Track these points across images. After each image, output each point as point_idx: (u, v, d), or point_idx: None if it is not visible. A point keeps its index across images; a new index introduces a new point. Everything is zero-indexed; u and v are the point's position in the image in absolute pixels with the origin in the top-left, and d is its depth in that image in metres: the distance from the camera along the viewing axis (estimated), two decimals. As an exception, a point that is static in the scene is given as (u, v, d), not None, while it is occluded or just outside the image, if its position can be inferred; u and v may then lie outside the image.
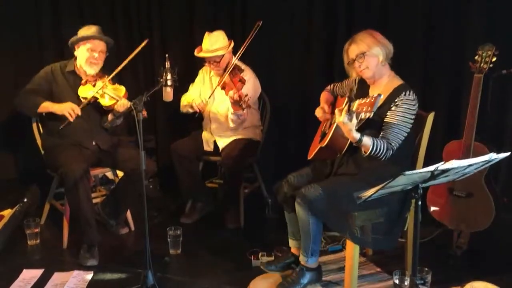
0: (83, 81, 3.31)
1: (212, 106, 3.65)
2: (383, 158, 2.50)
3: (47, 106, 3.23)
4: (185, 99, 3.71)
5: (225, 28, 3.61)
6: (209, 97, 3.57)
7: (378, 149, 2.46)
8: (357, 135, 2.43)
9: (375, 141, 2.47)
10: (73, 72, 3.36)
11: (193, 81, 3.82)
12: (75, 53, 3.34)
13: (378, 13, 3.75)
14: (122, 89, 3.31)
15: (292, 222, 2.83)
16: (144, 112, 2.80)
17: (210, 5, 4.14)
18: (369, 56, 2.59)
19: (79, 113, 3.17)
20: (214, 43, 3.48)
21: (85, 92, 3.27)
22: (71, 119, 3.15)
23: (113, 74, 3.28)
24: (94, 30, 3.31)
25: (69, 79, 3.34)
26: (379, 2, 3.75)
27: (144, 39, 4.20)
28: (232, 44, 3.53)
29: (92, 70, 3.32)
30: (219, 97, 3.60)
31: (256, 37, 3.32)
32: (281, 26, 4.01)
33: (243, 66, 3.49)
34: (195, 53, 3.55)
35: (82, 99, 3.25)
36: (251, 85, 3.48)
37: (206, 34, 3.53)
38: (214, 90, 3.52)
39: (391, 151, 2.50)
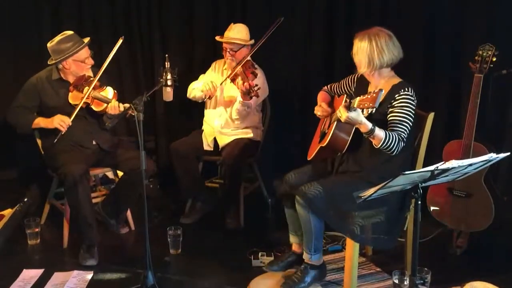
0: (71, 88, 3.27)
1: (219, 101, 3.66)
2: (395, 151, 2.47)
3: (38, 122, 3.24)
4: (194, 85, 3.71)
5: (225, 28, 3.61)
6: (221, 84, 3.58)
7: (391, 139, 2.44)
8: (369, 124, 2.41)
9: (387, 132, 2.46)
10: (59, 80, 3.32)
11: (192, 81, 3.81)
12: (62, 65, 3.26)
13: (378, 13, 3.75)
14: (109, 91, 3.27)
15: (292, 218, 2.84)
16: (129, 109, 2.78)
17: (210, 5, 4.14)
18: (356, 57, 2.63)
19: (70, 123, 3.15)
20: (237, 33, 3.54)
21: (76, 99, 3.24)
22: (63, 130, 3.14)
23: (96, 78, 3.23)
24: (74, 42, 3.21)
25: (57, 87, 3.31)
26: (379, 2, 3.75)
27: (144, 39, 4.26)
28: (252, 41, 3.57)
29: (89, 72, 3.34)
30: (227, 93, 3.62)
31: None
32: (281, 26, 4.00)
33: (256, 65, 3.51)
34: (216, 38, 3.61)
35: (74, 106, 3.23)
36: (261, 82, 3.51)
37: (232, 24, 3.59)
38: (225, 79, 3.54)
39: (402, 143, 2.48)
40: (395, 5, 3.71)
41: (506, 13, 3.35)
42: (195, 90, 3.65)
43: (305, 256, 2.74)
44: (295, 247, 2.91)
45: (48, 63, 3.30)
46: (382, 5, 3.74)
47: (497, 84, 3.16)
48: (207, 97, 3.58)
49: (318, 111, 2.89)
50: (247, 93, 3.28)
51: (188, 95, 3.69)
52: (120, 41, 3.20)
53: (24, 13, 4.17)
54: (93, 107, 3.26)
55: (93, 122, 3.39)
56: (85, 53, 3.26)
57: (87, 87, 3.23)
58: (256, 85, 3.25)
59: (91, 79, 3.28)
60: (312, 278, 2.74)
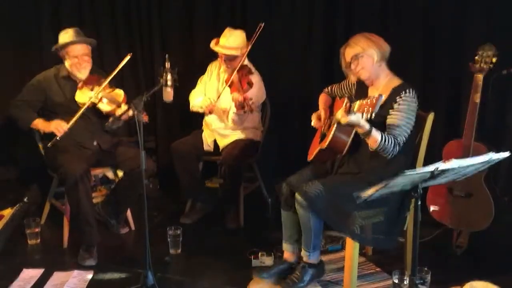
0: (79, 85, 3.29)
1: (216, 106, 3.65)
2: (390, 154, 2.49)
3: (37, 124, 3.26)
4: (193, 98, 3.72)
5: (225, 28, 3.61)
6: (218, 97, 3.56)
7: (387, 143, 2.46)
8: (367, 126, 2.42)
9: (384, 135, 2.47)
10: (67, 77, 3.34)
11: (192, 81, 3.82)
12: (61, 57, 3.33)
13: (378, 13, 3.75)
14: (120, 94, 3.29)
15: (291, 224, 2.82)
16: (146, 117, 2.81)
17: (210, 5, 4.14)
18: (364, 58, 2.61)
19: (66, 130, 3.16)
20: (233, 41, 3.46)
21: (83, 97, 3.26)
22: (59, 135, 3.15)
23: (108, 80, 3.25)
24: (70, 35, 3.26)
25: (64, 85, 3.33)
26: (379, 3, 3.75)
27: (144, 39, 4.26)
28: (250, 47, 3.49)
29: (81, 74, 3.31)
30: (224, 95, 3.60)
31: (257, 38, 3.37)
32: (281, 26, 4.01)
33: (253, 69, 3.50)
34: (211, 45, 3.55)
35: (79, 104, 3.24)
36: (257, 90, 3.50)
37: (227, 29, 3.52)
38: (222, 91, 3.53)
39: (398, 147, 2.50)
40: (395, 5, 3.71)
41: (506, 13, 3.35)
42: (195, 107, 3.66)
43: (304, 254, 2.75)
44: (286, 255, 2.89)
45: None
46: (382, 6, 3.75)
47: (497, 84, 3.16)
48: (208, 114, 3.57)
49: (313, 119, 2.91)
50: (240, 106, 3.27)
51: (190, 108, 3.71)
52: (128, 57, 3.23)
53: (24, 13, 4.17)
54: (100, 106, 3.26)
55: (96, 123, 3.40)
56: (76, 50, 3.26)
57: (97, 87, 3.25)
58: (251, 98, 3.24)
59: (102, 80, 3.29)
60: (310, 277, 2.74)
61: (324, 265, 2.86)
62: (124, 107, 3.20)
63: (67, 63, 3.31)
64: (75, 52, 3.26)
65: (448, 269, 2.95)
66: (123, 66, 3.27)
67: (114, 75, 3.28)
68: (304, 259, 2.75)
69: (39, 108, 3.36)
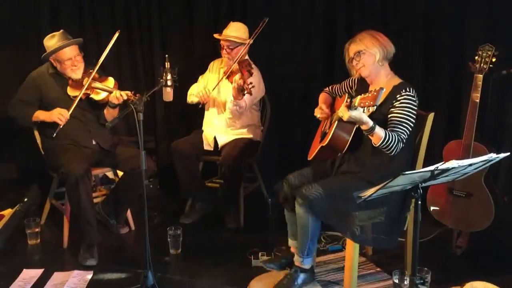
0: (70, 81, 3.29)
1: (217, 101, 3.66)
2: (394, 151, 2.49)
3: (38, 115, 3.26)
4: (193, 90, 3.74)
5: (225, 28, 3.61)
6: (214, 88, 3.58)
7: (390, 139, 2.45)
8: (370, 122, 2.42)
9: (387, 132, 2.47)
10: (57, 74, 3.34)
11: (192, 81, 3.82)
12: (53, 63, 3.31)
13: (378, 13, 3.75)
14: (110, 81, 3.31)
15: (292, 222, 2.83)
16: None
17: (210, 5, 4.14)
18: (366, 55, 2.62)
19: (68, 117, 3.17)
20: (234, 31, 3.54)
21: (75, 91, 3.26)
22: (62, 123, 3.16)
23: (95, 69, 3.25)
24: (57, 40, 3.22)
25: (56, 80, 3.33)
26: (379, 3, 3.75)
27: (144, 39, 4.26)
28: (251, 41, 3.53)
29: (76, 75, 3.29)
30: (224, 91, 3.61)
31: (259, 34, 3.41)
32: (281, 25, 4.01)
33: (253, 65, 3.51)
34: (214, 35, 3.62)
35: (72, 98, 3.24)
36: (257, 81, 3.50)
37: (231, 22, 3.60)
38: (218, 84, 3.55)
39: (401, 143, 2.50)
40: (395, 5, 3.71)
41: (506, 13, 3.35)
42: (191, 96, 3.69)
43: (296, 259, 2.75)
44: (293, 250, 2.91)
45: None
46: (382, 5, 3.75)
47: (497, 84, 3.16)
48: (202, 103, 3.61)
49: (317, 113, 2.90)
50: (240, 90, 3.27)
51: (187, 100, 3.73)
52: (117, 34, 3.21)
53: (24, 13, 4.17)
54: (93, 96, 3.26)
55: (91, 121, 3.39)
56: (68, 53, 3.23)
57: (86, 78, 3.24)
58: (251, 82, 3.25)
59: (90, 71, 3.29)
60: (302, 281, 2.75)
61: (314, 269, 2.86)
62: (116, 93, 3.20)
63: (58, 67, 3.29)
64: (68, 55, 3.24)
65: (448, 269, 2.95)
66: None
67: (101, 64, 3.28)
68: (297, 263, 2.75)
69: (37, 106, 3.35)
